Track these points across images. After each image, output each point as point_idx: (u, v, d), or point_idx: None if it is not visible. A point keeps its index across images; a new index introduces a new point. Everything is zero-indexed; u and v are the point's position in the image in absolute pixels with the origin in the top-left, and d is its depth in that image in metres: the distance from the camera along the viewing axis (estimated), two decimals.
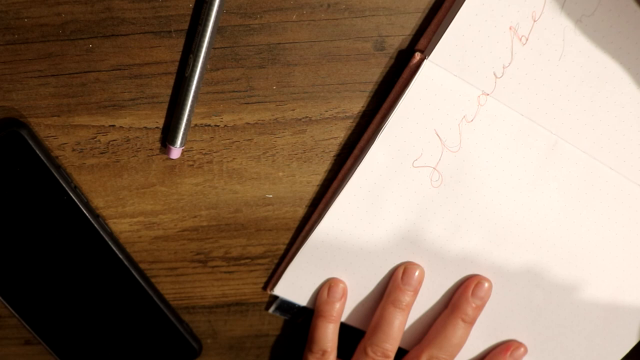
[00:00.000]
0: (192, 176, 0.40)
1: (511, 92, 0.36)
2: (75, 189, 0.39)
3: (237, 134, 0.39)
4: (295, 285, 0.43)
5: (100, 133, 0.38)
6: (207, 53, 0.35)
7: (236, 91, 0.37)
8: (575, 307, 0.43)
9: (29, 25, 0.34)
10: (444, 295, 0.43)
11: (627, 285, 0.42)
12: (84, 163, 0.39)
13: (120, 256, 0.41)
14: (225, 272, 0.44)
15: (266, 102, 0.38)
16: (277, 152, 0.40)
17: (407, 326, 0.44)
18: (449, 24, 0.34)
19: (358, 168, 0.38)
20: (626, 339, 0.44)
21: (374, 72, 0.37)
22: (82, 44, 0.35)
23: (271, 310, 0.46)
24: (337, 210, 0.40)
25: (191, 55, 0.35)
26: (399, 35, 0.36)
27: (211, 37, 0.34)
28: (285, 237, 0.43)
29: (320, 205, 0.41)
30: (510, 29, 0.34)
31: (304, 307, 0.45)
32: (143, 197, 0.41)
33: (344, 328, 0.45)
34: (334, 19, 0.35)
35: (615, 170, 0.39)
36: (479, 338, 0.44)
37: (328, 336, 0.43)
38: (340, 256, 0.42)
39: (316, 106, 0.38)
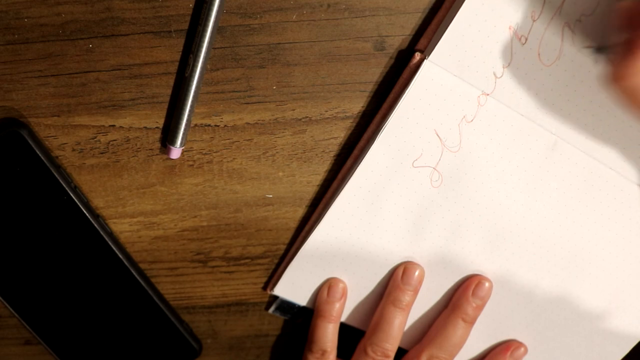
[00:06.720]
0: (192, 176, 0.40)
1: (511, 92, 0.36)
2: (75, 189, 0.39)
3: (237, 134, 0.39)
4: (295, 285, 0.43)
5: (100, 133, 0.38)
6: (207, 53, 0.35)
7: (236, 91, 0.37)
8: (576, 307, 0.43)
9: (29, 25, 0.34)
10: (444, 295, 0.43)
11: (627, 285, 0.42)
12: (84, 163, 0.39)
13: (120, 256, 0.41)
14: (225, 272, 0.44)
15: (266, 102, 0.38)
16: (277, 152, 0.40)
17: (407, 326, 0.44)
18: (449, 24, 0.34)
19: (358, 168, 0.38)
20: (626, 339, 0.44)
21: (374, 72, 0.37)
22: (82, 44, 0.35)
23: (271, 310, 0.46)
24: (337, 210, 0.40)
25: (191, 55, 0.35)
26: (399, 35, 0.36)
27: (211, 37, 0.34)
28: (285, 237, 0.43)
29: (320, 205, 0.41)
30: (510, 29, 0.34)
31: (304, 307, 0.45)
32: (143, 197, 0.41)
33: (344, 328, 0.45)
34: (334, 19, 0.35)
35: (615, 170, 0.39)
36: (479, 338, 0.44)
37: (328, 336, 0.43)
38: (340, 256, 0.42)
39: (316, 106, 0.38)
